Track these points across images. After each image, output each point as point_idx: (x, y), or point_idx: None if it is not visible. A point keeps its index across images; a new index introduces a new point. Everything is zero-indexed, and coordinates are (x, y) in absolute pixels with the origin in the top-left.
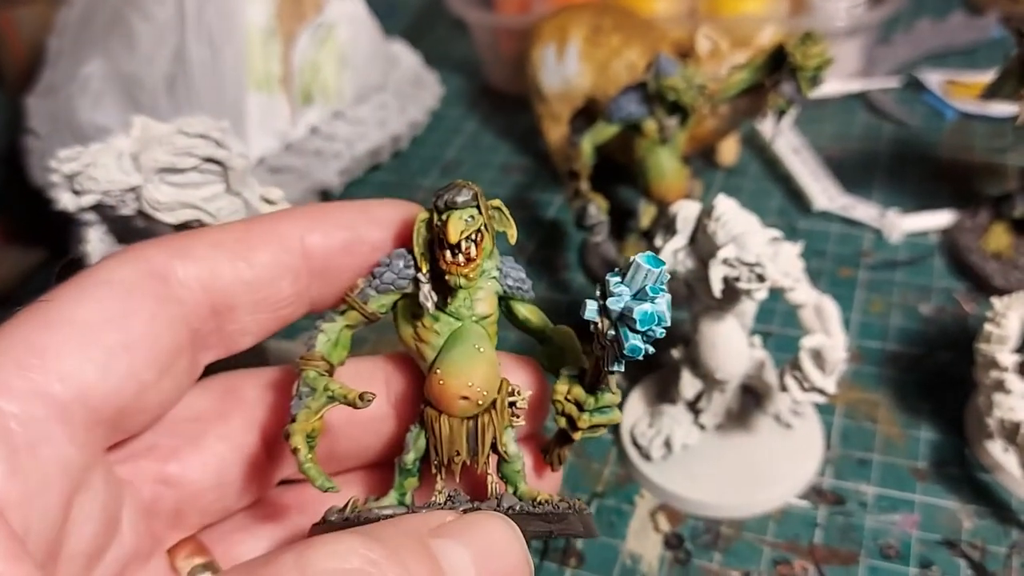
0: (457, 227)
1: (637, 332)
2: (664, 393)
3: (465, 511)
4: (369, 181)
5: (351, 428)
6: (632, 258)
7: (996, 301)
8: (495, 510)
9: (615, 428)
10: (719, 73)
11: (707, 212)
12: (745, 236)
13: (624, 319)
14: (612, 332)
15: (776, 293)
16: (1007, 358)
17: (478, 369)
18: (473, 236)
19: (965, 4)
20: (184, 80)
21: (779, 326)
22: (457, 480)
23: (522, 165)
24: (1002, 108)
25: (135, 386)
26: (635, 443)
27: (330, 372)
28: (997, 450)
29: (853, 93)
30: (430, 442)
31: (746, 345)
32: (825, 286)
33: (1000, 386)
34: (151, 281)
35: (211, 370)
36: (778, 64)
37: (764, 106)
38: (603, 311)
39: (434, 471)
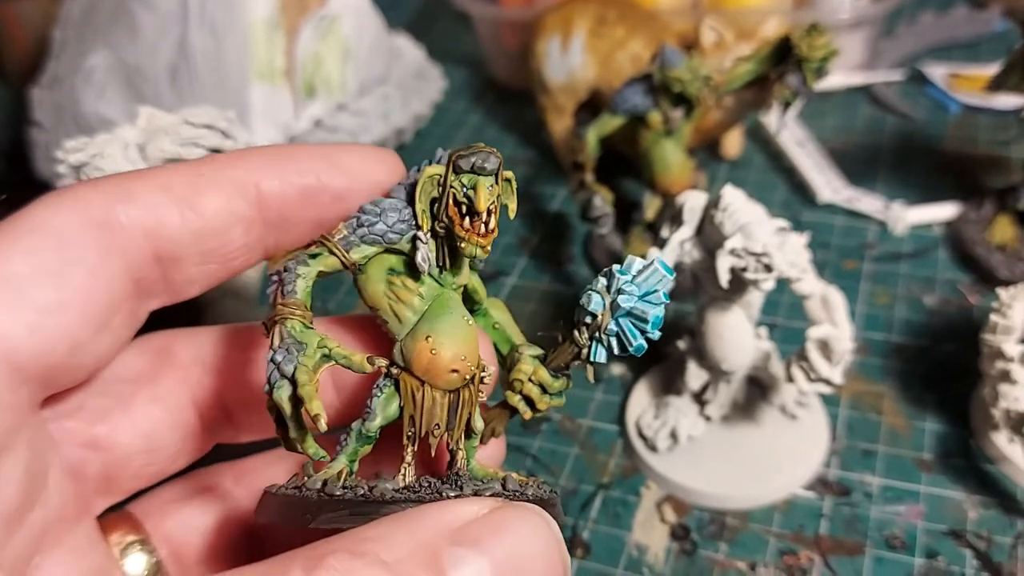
0: (487, 196)
1: (643, 333)
2: (670, 384)
3: (493, 496)
4: None
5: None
6: (649, 259)
7: (1002, 292)
8: (497, 493)
9: (621, 419)
10: (724, 65)
11: (714, 202)
12: (752, 226)
13: (632, 317)
14: (614, 327)
15: (782, 284)
16: (1013, 348)
17: (470, 343)
18: (492, 207)
19: None
20: (187, 71)
21: (785, 317)
22: (433, 453)
23: (526, 158)
24: (1006, 101)
25: (67, 345)
26: (641, 434)
27: (310, 321)
28: (1002, 441)
29: (857, 86)
30: (405, 411)
31: (752, 336)
32: (830, 278)
33: (1006, 376)
34: (91, 231)
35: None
36: (783, 56)
37: (769, 98)
38: (611, 305)
39: (405, 442)
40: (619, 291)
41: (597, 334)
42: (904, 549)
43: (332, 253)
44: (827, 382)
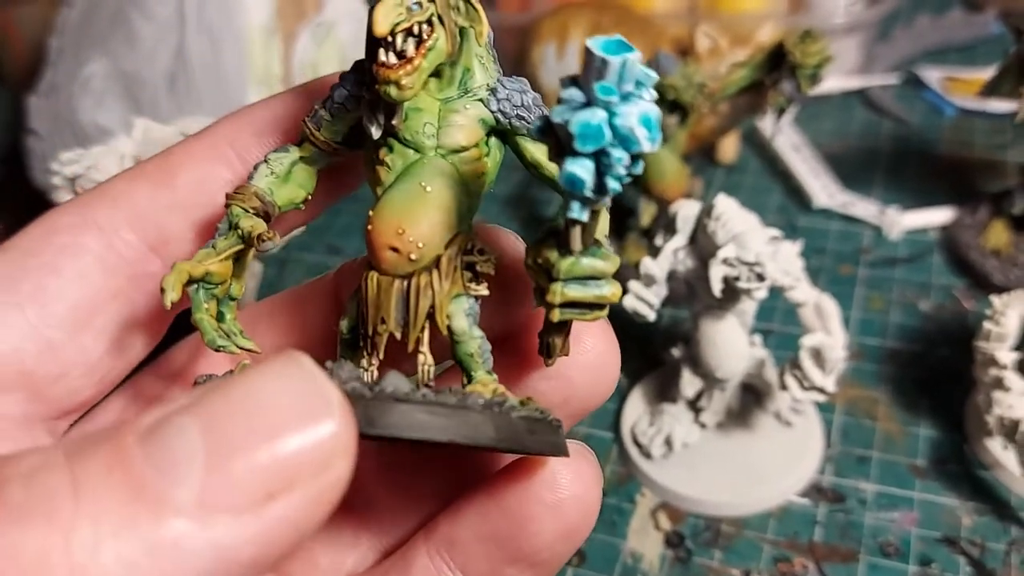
0: (388, 15)
1: (578, 154)
2: (665, 392)
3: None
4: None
5: None
6: (585, 44)
7: (995, 299)
8: (352, 391)
9: (616, 426)
10: (718, 71)
11: (707, 211)
12: (745, 235)
13: (566, 136)
14: (559, 159)
15: (777, 291)
16: (1006, 356)
17: (416, 212)
18: (416, 30)
19: (964, 1)
20: (185, 79)
21: (780, 324)
22: (380, 355)
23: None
24: (1002, 105)
25: (36, 344)
26: (636, 441)
27: (265, 215)
28: (996, 447)
29: (853, 90)
30: (358, 306)
31: (746, 344)
32: (825, 283)
33: (999, 384)
34: (54, 237)
35: None
36: (777, 62)
37: (764, 104)
38: (549, 128)
39: (361, 344)
40: (557, 102)
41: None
42: (898, 556)
43: (304, 135)
44: (820, 390)
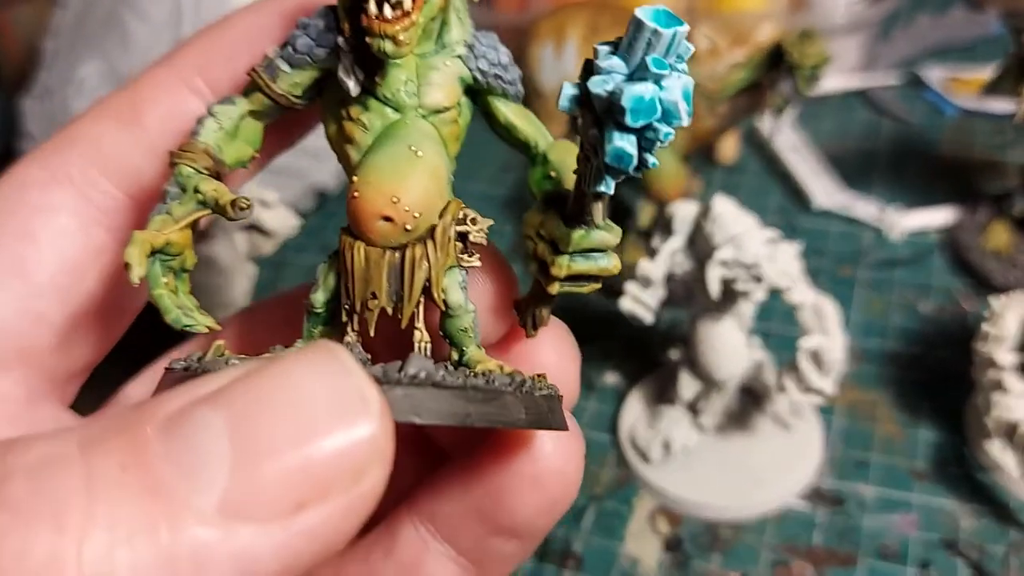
0: None
1: (627, 129)
2: (663, 394)
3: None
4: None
5: None
6: (633, 14)
7: (993, 301)
8: (382, 375)
9: (613, 429)
10: (717, 71)
11: (704, 212)
12: (742, 237)
13: (612, 109)
14: (595, 131)
15: (775, 293)
16: (1005, 357)
17: (410, 179)
18: None
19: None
20: None
21: (779, 326)
22: (371, 332)
23: (521, 163)
24: (1002, 105)
25: (28, 319)
26: (634, 444)
27: (216, 174)
28: (996, 449)
29: (853, 90)
30: (341, 278)
31: (745, 346)
32: (825, 285)
33: (998, 386)
34: (25, 195)
35: None
36: (776, 63)
37: (763, 104)
38: (584, 99)
39: (344, 318)
40: (594, 71)
41: (585, 147)
42: (897, 559)
43: (256, 86)
44: (819, 393)
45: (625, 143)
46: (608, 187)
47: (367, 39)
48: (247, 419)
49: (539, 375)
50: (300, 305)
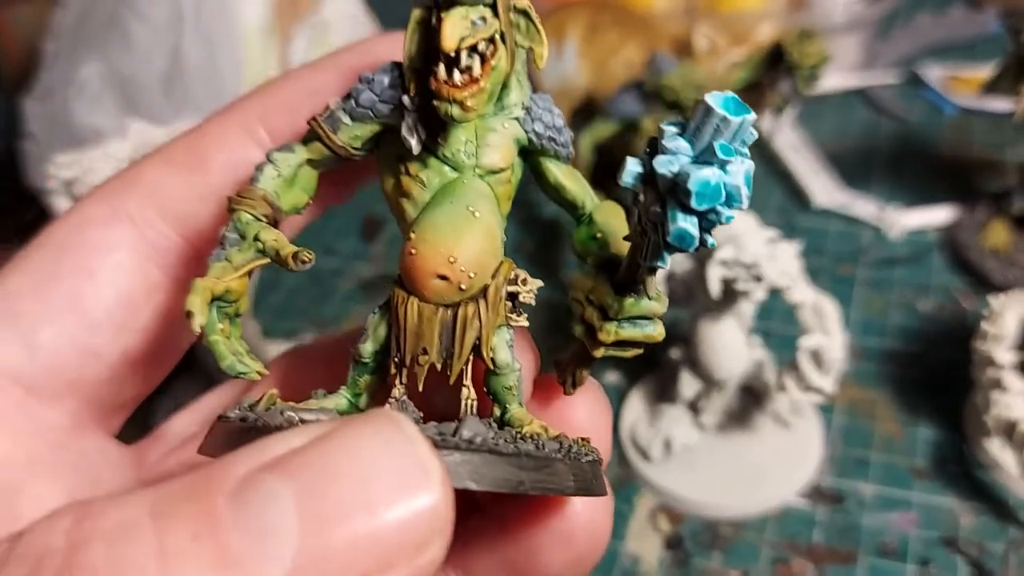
0: (456, 29)
1: (691, 211)
2: (663, 393)
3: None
4: (368, 182)
5: None
6: (702, 99)
7: (992, 300)
8: (440, 440)
9: (614, 427)
10: (717, 70)
11: None
12: (742, 236)
13: (676, 189)
14: (658, 208)
15: (775, 292)
16: (1004, 356)
17: (467, 238)
18: (481, 47)
19: None
20: (181, 81)
21: (779, 325)
22: (420, 387)
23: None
24: (1001, 104)
25: (77, 352)
26: (635, 443)
27: (274, 222)
28: (995, 447)
29: (852, 89)
30: (392, 331)
31: (745, 345)
32: (824, 284)
33: (997, 384)
34: (87, 232)
35: None
36: (775, 62)
37: (762, 103)
38: (648, 176)
39: (392, 371)
40: (659, 151)
41: (645, 221)
42: (897, 557)
43: (316, 136)
44: (819, 391)
45: (688, 224)
46: (665, 263)
47: (434, 102)
48: (314, 490)
49: (583, 439)
50: (341, 348)
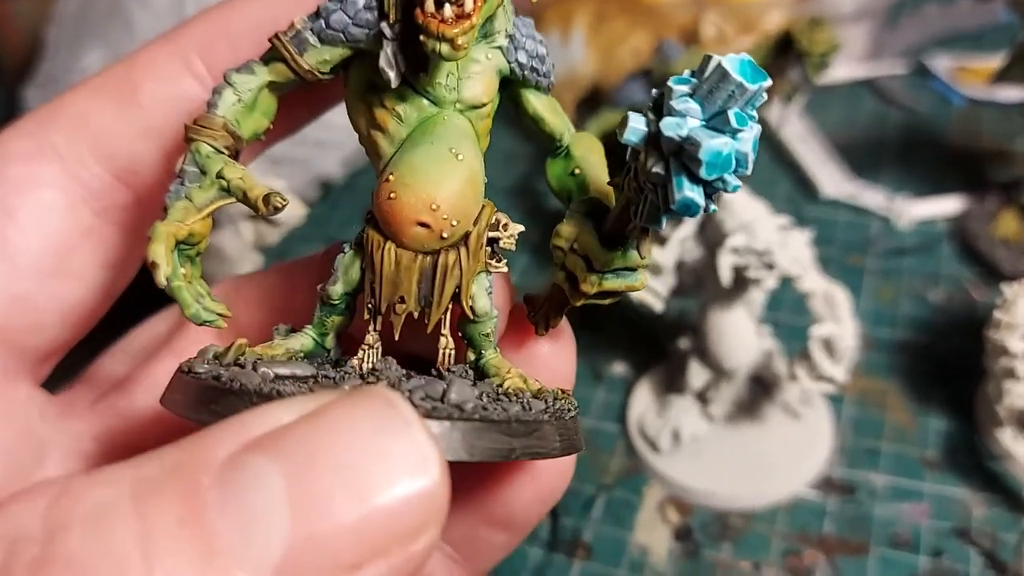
0: None
1: (698, 179)
2: (672, 383)
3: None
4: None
5: None
6: (713, 58)
7: (1006, 288)
8: (432, 410)
9: (622, 418)
10: None
11: None
12: (754, 223)
13: (683, 154)
14: (660, 170)
15: (786, 281)
16: (1017, 345)
17: (450, 182)
18: None
19: None
20: None
21: (789, 314)
22: (396, 336)
23: (526, 153)
24: (1011, 93)
25: (2, 300)
26: (643, 434)
27: (234, 153)
28: (1007, 438)
29: (860, 79)
30: (366, 277)
31: (754, 334)
32: (834, 274)
33: (1010, 373)
34: (7, 169)
35: None
36: (785, 50)
37: (771, 92)
38: (653, 136)
39: (366, 316)
40: (667, 111)
41: (643, 180)
42: (909, 548)
43: (280, 56)
44: (830, 380)
45: (695, 194)
46: (661, 226)
47: (421, 37)
48: (305, 475)
49: (562, 391)
50: (289, 278)
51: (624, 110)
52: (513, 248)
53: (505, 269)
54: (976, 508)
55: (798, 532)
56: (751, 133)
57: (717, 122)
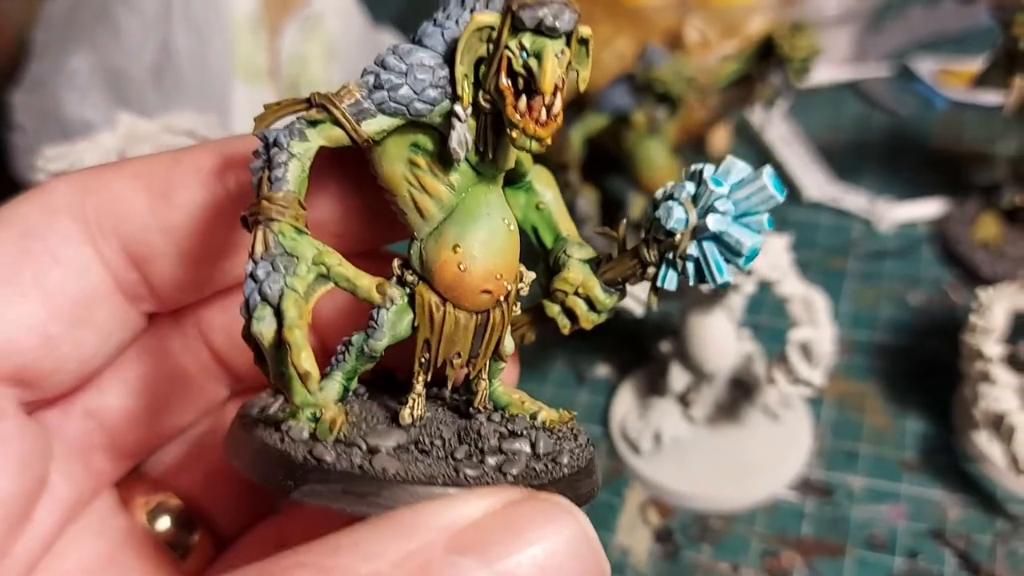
0: (556, 68)
1: (730, 263)
2: (654, 386)
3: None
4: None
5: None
6: (741, 164)
7: (981, 293)
8: (538, 472)
9: (604, 420)
10: (708, 63)
11: None
12: None
13: (720, 244)
14: (694, 252)
15: (765, 285)
16: (992, 349)
17: (509, 256)
18: (558, 83)
19: None
20: (171, 72)
21: (769, 318)
22: (449, 386)
23: None
24: (992, 97)
25: (37, 339)
26: (625, 436)
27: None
28: (982, 440)
29: (844, 82)
30: (420, 333)
31: (734, 338)
32: (815, 276)
33: (985, 377)
34: (56, 218)
35: None
36: (766, 55)
37: (754, 96)
38: (694, 227)
39: (416, 369)
40: (710, 208)
41: (671, 255)
42: (885, 549)
43: (338, 124)
44: (808, 384)
45: (729, 276)
46: (673, 286)
47: (512, 132)
48: None
49: (569, 414)
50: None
51: (608, 114)
52: (526, 293)
53: (519, 311)
54: (952, 509)
55: (776, 533)
56: (765, 231)
57: (749, 222)
